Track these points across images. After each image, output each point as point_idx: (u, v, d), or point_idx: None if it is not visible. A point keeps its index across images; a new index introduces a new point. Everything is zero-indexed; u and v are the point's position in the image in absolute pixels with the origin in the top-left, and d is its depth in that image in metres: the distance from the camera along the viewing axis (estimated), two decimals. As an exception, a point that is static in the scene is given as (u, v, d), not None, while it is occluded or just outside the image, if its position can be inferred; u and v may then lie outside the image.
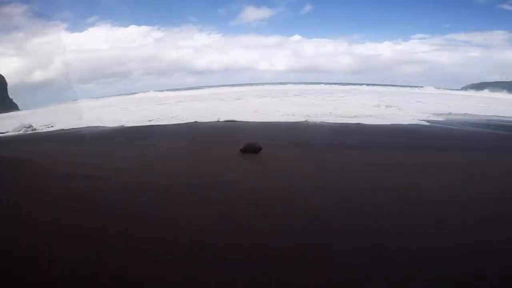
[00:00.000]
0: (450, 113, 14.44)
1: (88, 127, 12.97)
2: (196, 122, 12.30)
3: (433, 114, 13.87)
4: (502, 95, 33.27)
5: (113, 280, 2.46)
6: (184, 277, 2.50)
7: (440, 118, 12.96)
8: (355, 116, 12.45)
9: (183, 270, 2.58)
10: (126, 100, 30.01)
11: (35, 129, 13.51)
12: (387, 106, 15.70)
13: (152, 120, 13.49)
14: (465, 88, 66.82)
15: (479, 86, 66.53)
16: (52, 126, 13.95)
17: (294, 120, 12.23)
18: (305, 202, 4.05)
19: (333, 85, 45.30)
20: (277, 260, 2.71)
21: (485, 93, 38.12)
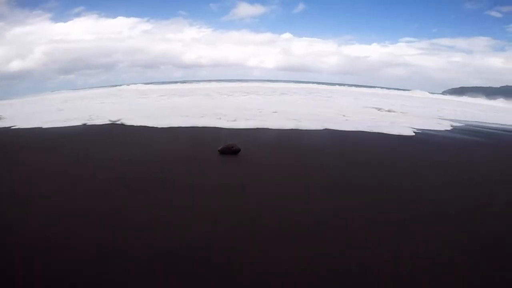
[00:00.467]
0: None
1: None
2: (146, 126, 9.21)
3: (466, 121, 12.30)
4: (483, 101, 34.60)
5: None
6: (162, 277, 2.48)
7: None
8: (379, 125, 9.75)
9: (159, 270, 2.59)
10: (103, 93, 28.31)
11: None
12: (398, 112, 14.28)
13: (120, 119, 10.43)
14: (445, 93, 69.64)
15: (459, 91, 69.71)
16: None
17: (308, 127, 9.21)
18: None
19: (322, 85, 45.50)
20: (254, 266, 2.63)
21: (466, 98, 39.46)
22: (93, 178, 4.84)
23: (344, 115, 12.44)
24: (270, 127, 9.21)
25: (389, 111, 15.33)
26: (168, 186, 4.51)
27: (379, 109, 15.55)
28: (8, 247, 2.93)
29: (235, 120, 10.22)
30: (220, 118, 10.57)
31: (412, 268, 2.66)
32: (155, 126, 9.24)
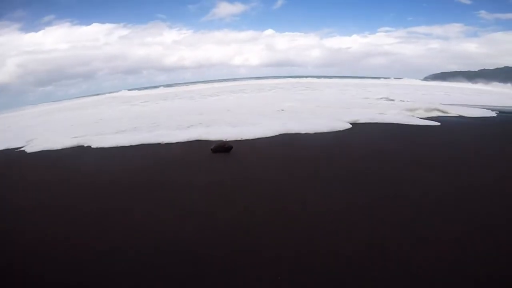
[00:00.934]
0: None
1: None
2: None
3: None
4: (468, 85, 35.15)
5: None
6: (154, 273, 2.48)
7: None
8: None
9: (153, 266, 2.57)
10: (85, 104, 26.85)
11: None
12: (415, 102, 12.26)
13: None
14: (427, 78, 71.08)
15: (440, 76, 71.41)
16: None
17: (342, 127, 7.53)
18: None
19: (309, 78, 45.36)
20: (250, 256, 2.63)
21: (452, 83, 40.06)
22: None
23: (380, 113, 9.79)
24: (298, 131, 7.19)
25: (402, 101, 13.64)
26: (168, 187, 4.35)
27: (391, 100, 14.21)
28: (8, 248, 2.97)
29: (237, 126, 8.05)
30: (208, 125, 8.27)
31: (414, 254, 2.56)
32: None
